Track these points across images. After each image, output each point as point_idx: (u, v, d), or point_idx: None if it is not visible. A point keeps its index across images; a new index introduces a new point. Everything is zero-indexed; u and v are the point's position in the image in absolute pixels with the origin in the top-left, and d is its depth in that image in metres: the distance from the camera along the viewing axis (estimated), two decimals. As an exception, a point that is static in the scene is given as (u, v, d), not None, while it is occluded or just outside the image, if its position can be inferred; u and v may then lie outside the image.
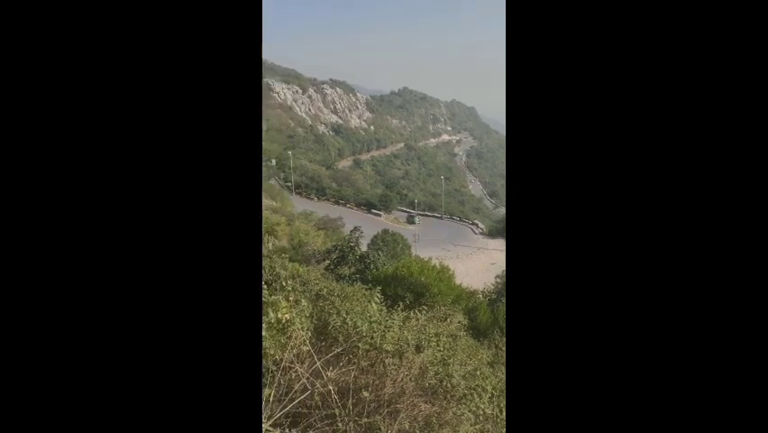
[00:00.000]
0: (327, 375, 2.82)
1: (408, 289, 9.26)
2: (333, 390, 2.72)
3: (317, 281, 10.93)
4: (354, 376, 2.97)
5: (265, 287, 4.97)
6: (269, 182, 38.89)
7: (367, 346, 3.24)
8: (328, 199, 42.12)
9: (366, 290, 6.78)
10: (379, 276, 11.02)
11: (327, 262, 14.89)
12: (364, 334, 3.25)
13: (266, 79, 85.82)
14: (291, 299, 4.86)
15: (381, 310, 3.87)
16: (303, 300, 5.02)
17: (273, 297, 4.58)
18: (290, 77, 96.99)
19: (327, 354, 3.14)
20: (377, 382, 3.07)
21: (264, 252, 11.34)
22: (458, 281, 12.63)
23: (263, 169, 40.64)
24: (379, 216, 39.11)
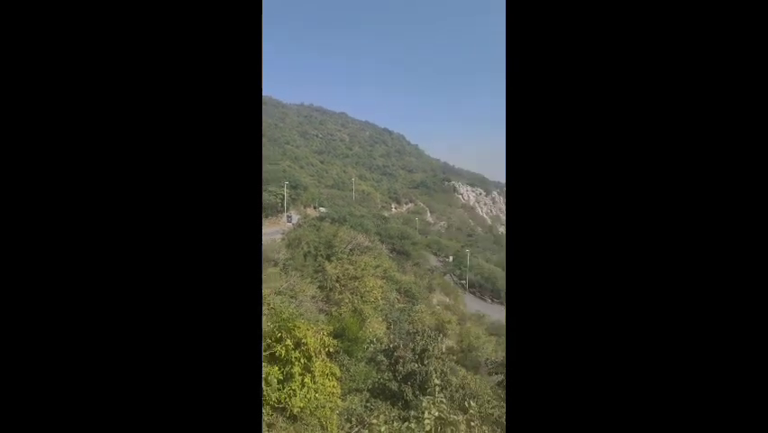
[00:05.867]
0: None
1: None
2: None
3: (490, 399, 9.78)
4: None
5: (441, 396, 4.62)
6: (445, 278, 39.52)
7: None
8: (502, 303, 39.65)
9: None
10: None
11: (500, 376, 13.38)
12: None
13: (453, 182, 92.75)
14: (473, 424, 4.32)
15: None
16: (486, 430, 4.39)
17: (453, 416, 4.17)
18: (477, 180, 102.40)
19: None
20: None
21: (438, 352, 10.91)
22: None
23: (442, 264, 41.31)
24: (562, 331, 34.08)
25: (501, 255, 63.02)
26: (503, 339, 24.20)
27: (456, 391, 9.31)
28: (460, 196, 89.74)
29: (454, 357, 15.68)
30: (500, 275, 46.40)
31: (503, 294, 40.90)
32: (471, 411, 4.51)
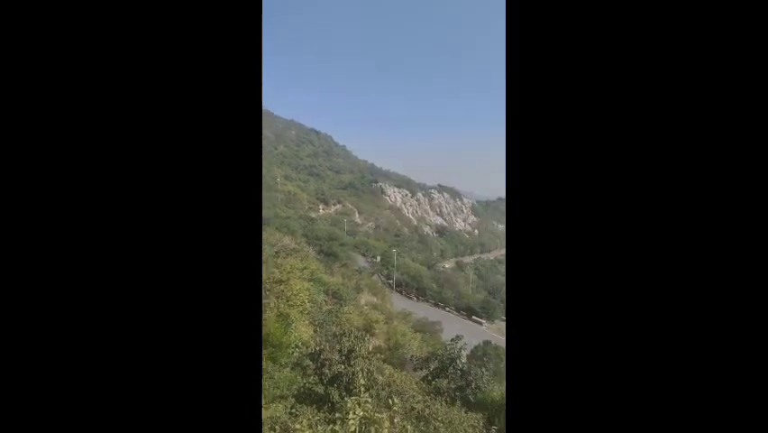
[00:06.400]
0: None
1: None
2: None
3: (415, 394, 10.10)
4: None
5: (366, 396, 4.66)
6: (373, 278, 39.98)
7: None
8: (427, 300, 41.22)
9: (474, 419, 5.92)
10: (485, 401, 9.74)
11: (425, 371, 13.88)
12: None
13: (380, 183, 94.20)
14: (396, 421, 4.42)
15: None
16: (408, 425, 4.52)
17: (377, 414, 4.22)
18: (403, 182, 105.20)
19: None
20: None
21: (364, 352, 10.98)
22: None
23: (369, 265, 41.71)
24: (481, 324, 36.46)
25: (426, 254, 65.55)
26: (428, 336, 25.13)
27: (382, 389, 9.45)
28: (387, 197, 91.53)
29: (382, 356, 15.91)
30: (425, 273, 48.17)
31: (428, 292, 42.52)
32: (395, 408, 4.60)
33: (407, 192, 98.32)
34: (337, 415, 4.84)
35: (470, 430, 5.66)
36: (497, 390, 11.33)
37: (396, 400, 4.72)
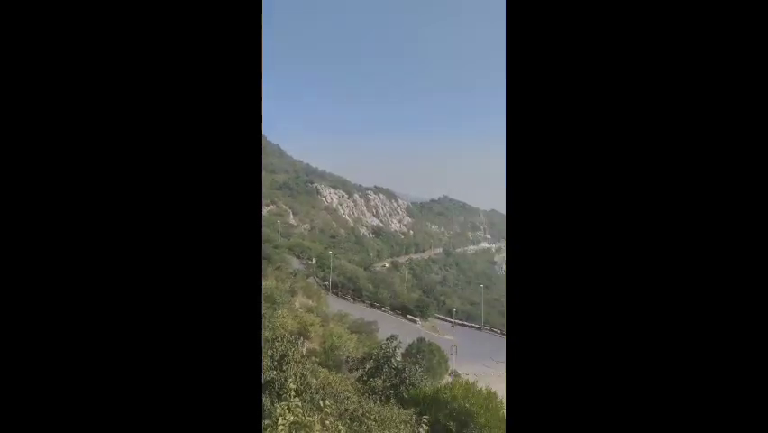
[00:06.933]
0: None
1: (451, 416, 8.24)
2: None
3: (350, 395, 10.07)
4: None
5: (297, 400, 4.56)
6: (308, 280, 39.22)
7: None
8: (364, 301, 41.41)
9: (406, 415, 6.05)
10: (417, 396, 10.00)
11: (360, 372, 13.91)
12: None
13: (316, 184, 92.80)
14: (328, 422, 4.37)
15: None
16: (340, 426, 4.49)
17: (308, 418, 4.14)
18: (338, 182, 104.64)
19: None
20: None
21: (297, 356, 10.74)
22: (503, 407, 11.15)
23: (305, 267, 40.72)
24: (415, 322, 37.48)
25: (363, 255, 65.86)
26: (364, 336, 25.22)
27: (316, 393, 9.28)
28: (323, 198, 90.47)
29: (317, 359, 15.65)
30: (362, 274, 48.35)
31: (364, 293, 42.73)
32: (327, 410, 4.55)
33: (344, 193, 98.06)
34: (266, 422, 4.67)
35: (402, 426, 5.78)
36: (429, 384, 11.71)
37: (328, 402, 4.67)
